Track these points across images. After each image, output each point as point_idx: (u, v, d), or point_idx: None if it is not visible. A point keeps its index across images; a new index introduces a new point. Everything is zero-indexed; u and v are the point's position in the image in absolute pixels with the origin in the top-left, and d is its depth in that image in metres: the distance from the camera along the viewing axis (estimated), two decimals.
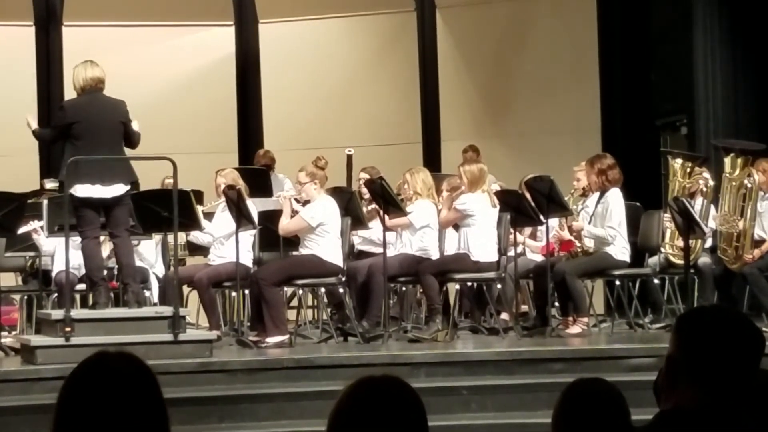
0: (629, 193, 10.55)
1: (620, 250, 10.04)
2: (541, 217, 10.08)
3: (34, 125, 9.56)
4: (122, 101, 9.23)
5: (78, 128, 9.02)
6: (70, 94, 13.90)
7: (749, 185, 10.44)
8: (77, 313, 9.10)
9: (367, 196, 10.84)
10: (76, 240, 9.91)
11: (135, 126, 9.26)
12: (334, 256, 9.78)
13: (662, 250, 10.65)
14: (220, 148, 14.38)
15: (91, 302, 9.77)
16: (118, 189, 9.01)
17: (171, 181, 9.65)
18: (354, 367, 8.46)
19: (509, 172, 12.16)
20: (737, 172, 10.54)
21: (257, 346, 9.45)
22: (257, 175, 11.79)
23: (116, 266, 9.77)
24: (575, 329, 9.95)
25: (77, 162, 8.93)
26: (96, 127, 9.03)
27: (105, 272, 9.60)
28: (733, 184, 10.51)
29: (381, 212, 10.03)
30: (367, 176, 11.08)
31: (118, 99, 9.25)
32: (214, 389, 8.52)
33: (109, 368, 2.48)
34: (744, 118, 12.51)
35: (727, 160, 10.61)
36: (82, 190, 8.96)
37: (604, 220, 10.04)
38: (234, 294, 10.47)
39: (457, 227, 10.33)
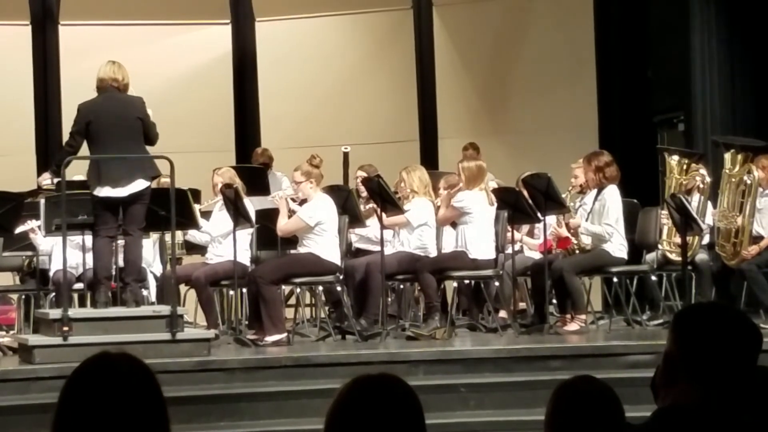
0: (626, 190, 10.56)
1: (618, 247, 10.05)
2: (539, 215, 10.08)
3: (46, 179, 9.46)
4: (138, 97, 9.11)
5: (91, 129, 8.98)
6: (66, 93, 13.97)
7: (749, 182, 10.45)
8: (75, 312, 9.09)
9: (364, 194, 10.84)
10: (73, 239, 9.91)
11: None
12: (332, 254, 9.77)
13: (660, 246, 10.65)
14: (217, 146, 14.37)
15: (90, 301, 9.78)
16: (137, 186, 8.93)
17: (165, 179, 9.64)
18: (352, 365, 8.46)
19: (506, 170, 12.16)
20: (737, 168, 10.54)
21: (255, 344, 9.44)
22: (254, 173, 11.78)
23: (117, 266, 9.75)
24: (573, 326, 9.95)
25: (97, 163, 8.91)
26: (107, 127, 8.94)
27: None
28: (733, 180, 10.51)
29: (378, 210, 10.03)
30: (365, 174, 11.09)
31: (134, 96, 9.13)
32: (213, 388, 8.52)
33: (112, 368, 2.48)
34: (741, 115, 12.51)
35: (728, 157, 10.62)
36: (101, 192, 8.95)
37: (601, 217, 10.04)
38: (232, 293, 10.46)
39: (454, 225, 10.34)
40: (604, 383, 3.15)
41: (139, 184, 8.94)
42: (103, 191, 8.94)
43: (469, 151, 12.35)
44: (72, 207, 9.23)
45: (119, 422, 2.41)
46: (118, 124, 8.98)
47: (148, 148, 9.15)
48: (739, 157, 10.56)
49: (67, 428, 2.44)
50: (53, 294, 10.41)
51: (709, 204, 10.71)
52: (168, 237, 9.67)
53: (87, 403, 2.43)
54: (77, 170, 9.66)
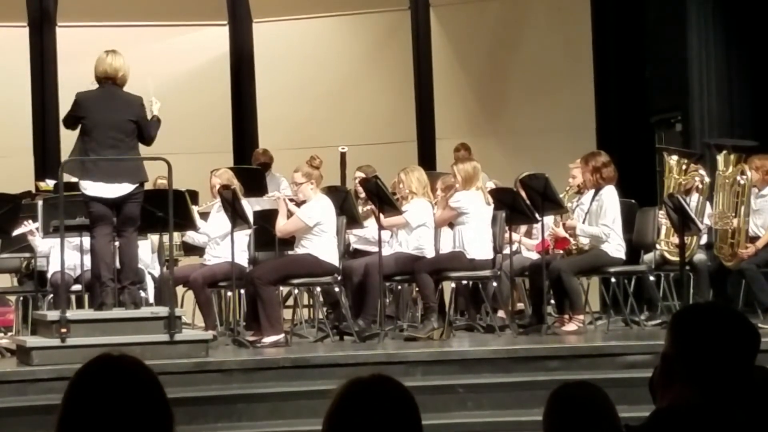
0: (624, 191, 10.56)
1: (615, 247, 10.05)
2: (537, 215, 10.09)
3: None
4: (138, 98, 8.99)
5: (85, 124, 8.90)
6: (64, 94, 13.95)
7: (742, 182, 10.45)
8: (73, 314, 9.07)
9: (362, 195, 10.84)
10: (72, 241, 9.90)
11: (155, 108, 9.03)
12: (330, 255, 9.77)
13: (657, 247, 10.65)
14: (215, 147, 14.37)
15: (87, 303, 9.76)
16: (124, 188, 8.83)
17: (162, 181, 9.60)
18: (350, 366, 8.46)
19: (504, 170, 12.17)
20: (730, 169, 10.55)
21: (253, 345, 9.44)
22: (252, 174, 11.78)
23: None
24: (571, 327, 9.95)
25: (83, 160, 8.87)
26: (101, 125, 8.85)
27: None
28: (727, 181, 10.52)
29: (376, 211, 10.03)
30: (363, 175, 11.09)
31: (134, 95, 9.02)
32: (211, 389, 8.51)
33: (116, 370, 2.48)
34: (738, 115, 12.52)
35: (720, 158, 10.63)
36: (90, 187, 8.84)
37: (598, 218, 10.05)
38: (230, 294, 10.47)
39: (452, 225, 10.33)
40: (597, 387, 3.15)
41: (125, 188, 8.82)
42: (92, 187, 8.79)
43: (461, 152, 12.34)
44: (70, 209, 9.21)
45: (124, 424, 2.41)
46: (111, 125, 8.85)
47: (143, 148, 9.11)
48: (732, 157, 10.58)
49: (71, 430, 2.44)
50: (51, 295, 10.40)
51: (708, 204, 10.71)
52: (166, 238, 9.66)
53: (91, 405, 2.43)
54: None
